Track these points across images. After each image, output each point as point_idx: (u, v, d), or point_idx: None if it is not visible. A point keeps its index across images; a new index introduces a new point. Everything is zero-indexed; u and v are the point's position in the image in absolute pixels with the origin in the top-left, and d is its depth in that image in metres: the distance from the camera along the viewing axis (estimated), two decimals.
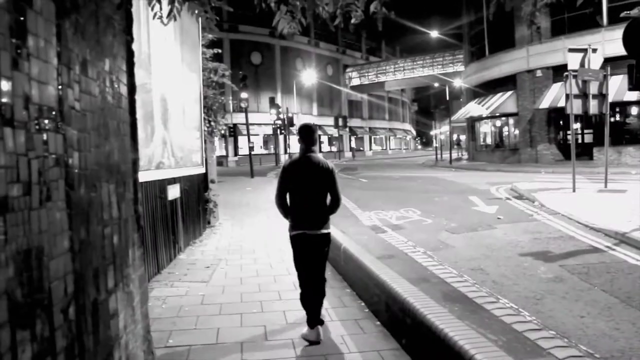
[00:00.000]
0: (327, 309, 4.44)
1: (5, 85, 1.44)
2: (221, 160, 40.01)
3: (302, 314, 3.96)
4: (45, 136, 1.71)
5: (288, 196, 3.86)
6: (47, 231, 1.70)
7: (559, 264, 5.85)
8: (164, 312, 4.55)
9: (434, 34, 40.28)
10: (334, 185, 3.80)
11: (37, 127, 1.65)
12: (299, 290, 3.98)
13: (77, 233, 1.99)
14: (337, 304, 4.67)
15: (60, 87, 1.88)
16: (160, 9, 3.44)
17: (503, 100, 26.76)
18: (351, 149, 57.40)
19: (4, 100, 1.43)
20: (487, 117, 29.59)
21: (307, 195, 3.78)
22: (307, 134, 3.85)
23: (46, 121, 1.73)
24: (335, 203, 3.87)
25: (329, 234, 3.88)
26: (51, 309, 1.71)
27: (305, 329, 3.84)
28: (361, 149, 62.93)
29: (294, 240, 3.85)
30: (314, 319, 3.78)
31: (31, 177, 1.59)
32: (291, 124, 34.90)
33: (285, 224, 4.06)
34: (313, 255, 3.81)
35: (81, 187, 2.08)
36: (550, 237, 7.44)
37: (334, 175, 3.80)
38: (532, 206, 10.61)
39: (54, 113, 1.81)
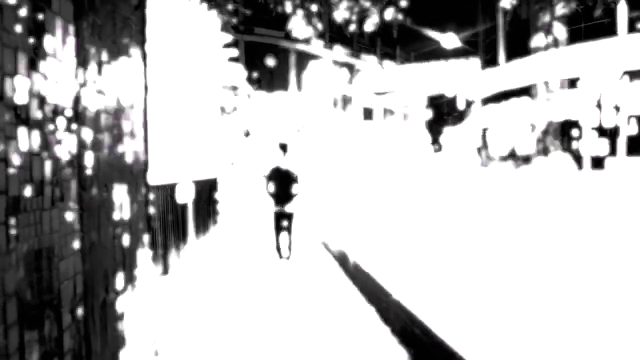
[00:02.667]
0: (334, 312, 4.41)
1: (22, 85, 1.44)
2: (234, 161, 40.17)
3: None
4: (59, 136, 1.71)
5: (272, 187, 6.36)
6: (58, 231, 1.70)
7: None
8: None
9: (449, 43, 40.00)
10: (297, 181, 6.30)
11: (51, 127, 1.65)
12: None
13: (87, 234, 1.99)
14: (346, 308, 4.64)
15: (76, 87, 1.88)
16: None
17: (517, 109, 26.54)
18: None
19: (20, 99, 1.43)
20: (499, 125, 29.32)
21: (281, 188, 6.26)
22: (284, 148, 6.35)
23: (61, 121, 1.73)
24: (298, 189, 6.32)
25: (292, 212, 6.37)
26: (60, 310, 1.71)
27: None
28: None
29: (274, 213, 6.37)
30: (280, 255, 6.42)
31: (44, 177, 1.58)
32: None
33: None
34: (283, 221, 6.36)
35: (93, 188, 2.07)
36: None
37: (296, 176, 6.29)
38: None
39: (69, 113, 1.81)
